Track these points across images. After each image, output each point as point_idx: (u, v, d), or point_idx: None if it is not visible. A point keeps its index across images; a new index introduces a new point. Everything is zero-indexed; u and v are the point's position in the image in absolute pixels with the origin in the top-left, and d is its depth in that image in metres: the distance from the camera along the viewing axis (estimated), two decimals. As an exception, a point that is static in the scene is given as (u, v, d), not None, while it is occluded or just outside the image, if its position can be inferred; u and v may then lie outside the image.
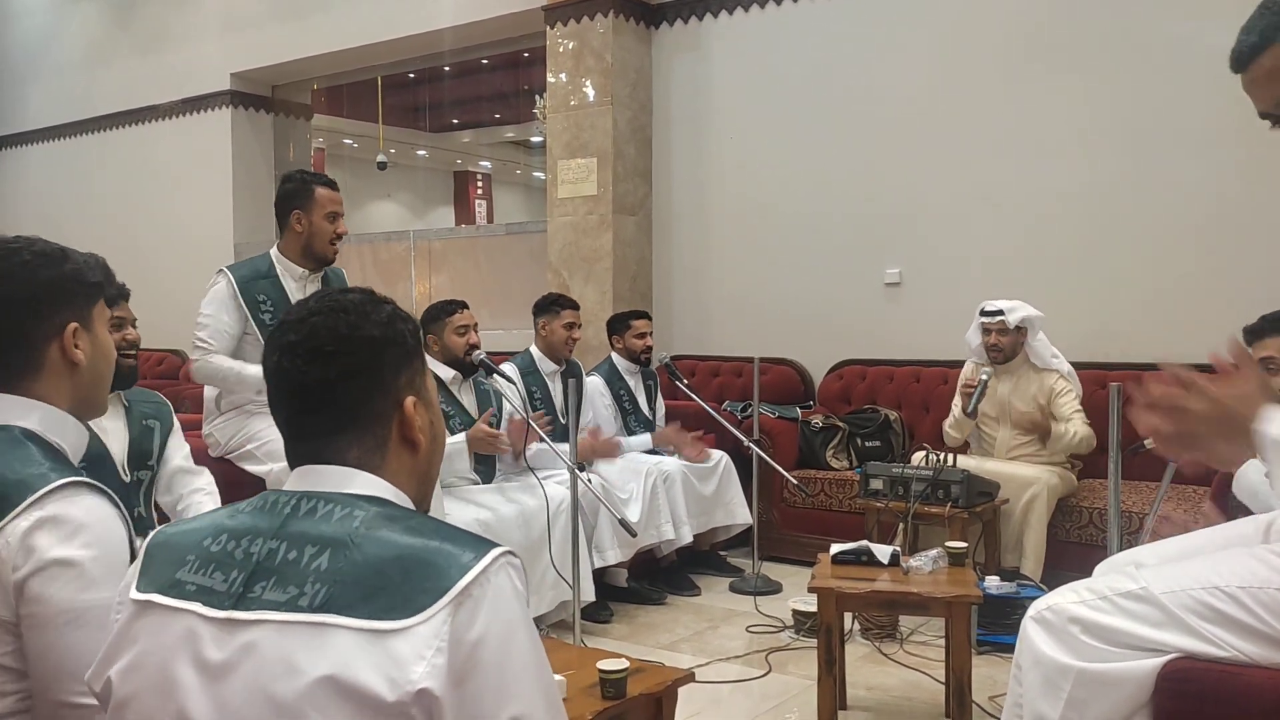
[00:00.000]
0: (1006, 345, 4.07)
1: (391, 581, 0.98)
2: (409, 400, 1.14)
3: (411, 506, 1.13)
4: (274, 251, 3.41)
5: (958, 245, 5.02)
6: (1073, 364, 4.19)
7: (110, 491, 1.35)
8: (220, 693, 0.99)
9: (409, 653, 0.95)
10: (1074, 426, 3.98)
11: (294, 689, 0.96)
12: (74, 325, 1.42)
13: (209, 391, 3.49)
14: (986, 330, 4.11)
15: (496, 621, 0.99)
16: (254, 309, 3.31)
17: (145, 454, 2.62)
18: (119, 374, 2.60)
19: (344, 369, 1.10)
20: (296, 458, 1.13)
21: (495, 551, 1.02)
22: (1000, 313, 4.07)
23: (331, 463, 1.10)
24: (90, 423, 2.31)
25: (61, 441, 1.39)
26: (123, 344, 2.56)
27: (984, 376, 4.03)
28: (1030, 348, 4.11)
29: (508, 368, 4.01)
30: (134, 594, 1.08)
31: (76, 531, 1.28)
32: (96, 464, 2.38)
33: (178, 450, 2.75)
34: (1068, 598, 1.63)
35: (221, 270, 3.41)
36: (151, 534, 1.13)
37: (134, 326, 2.69)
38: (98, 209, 8.24)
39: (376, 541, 1.02)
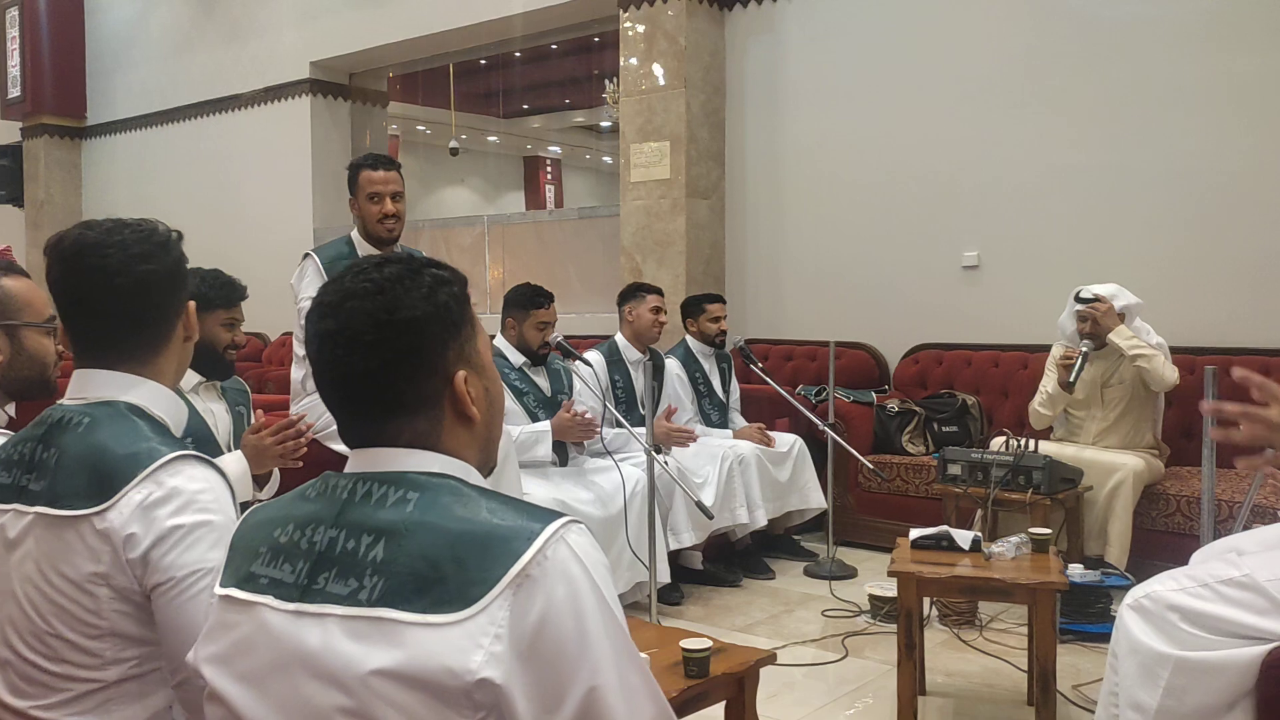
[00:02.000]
0: (1103, 333, 3.93)
1: (446, 572, 0.97)
2: (459, 376, 1.08)
3: (473, 475, 1.10)
4: (353, 233, 3.50)
5: (1038, 227, 4.91)
6: (1160, 349, 4.07)
7: (215, 462, 1.40)
8: (294, 685, 1.00)
9: (467, 643, 0.94)
10: (1152, 348, 3.86)
11: (359, 681, 0.96)
12: (192, 302, 1.49)
13: (295, 372, 3.58)
14: (1083, 318, 3.98)
15: (559, 597, 0.96)
16: None
17: (239, 437, 2.71)
18: (221, 366, 2.71)
19: (386, 357, 1.05)
20: (351, 440, 1.10)
21: (553, 525, 0.99)
22: (1099, 299, 3.94)
23: (386, 445, 1.08)
24: (199, 407, 2.39)
25: (164, 415, 1.44)
26: (231, 343, 2.68)
27: (1084, 348, 3.90)
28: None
29: (591, 355, 4.04)
30: (218, 588, 1.09)
31: (191, 500, 1.33)
32: (204, 447, 2.47)
33: None
34: (1166, 585, 1.59)
35: (307, 254, 3.51)
36: (239, 521, 1.15)
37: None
38: (184, 196, 8.47)
39: (429, 527, 1.00)
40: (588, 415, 3.65)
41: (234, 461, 2.40)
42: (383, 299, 1.05)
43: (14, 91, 9.51)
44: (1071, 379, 3.87)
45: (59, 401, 1.44)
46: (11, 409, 1.82)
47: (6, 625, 1.35)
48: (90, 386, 1.42)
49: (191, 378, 2.64)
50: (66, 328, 1.45)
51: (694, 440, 4.03)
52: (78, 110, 9.54)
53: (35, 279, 1.84)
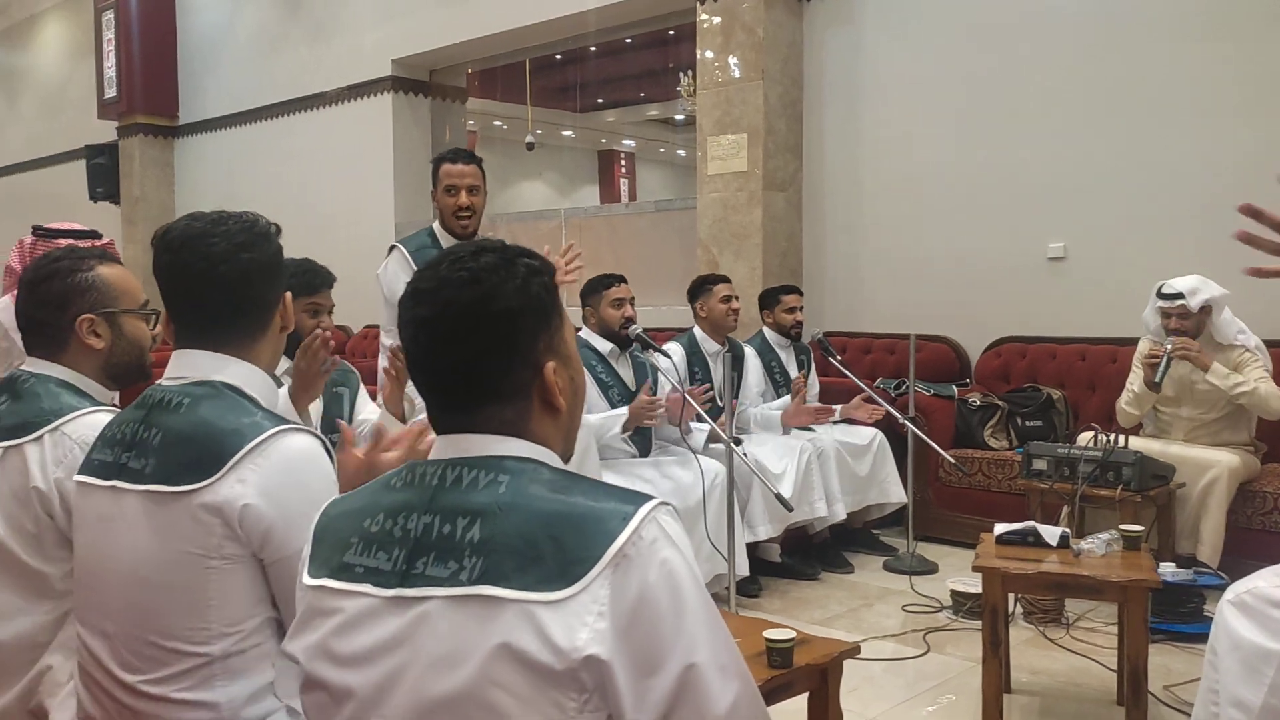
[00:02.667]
0: (1189, 328, 3.80)
1: (544, 551, 0.99)
2: (549, 366, 1.10)
3: (558, 462, 1.12)
4: (435, 225, 3.55)
5: (1127, 217, 4.78)
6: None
7: (317, 433, 1.45)
8: (394, 668, 1.01)
9: (572, 621, 0.96)
10: (1251, 377, 3.74)
11: (469, 662, 0.97)
12: (289, 294, 1.54)
13: (382, 362, 3.66)
14: (1166, 314, 3.85)
15: (655, 576, 0.98)
16: None
17: (334, 419, 2.78)
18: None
19: (480, 347, 1.07)
20: (441, 426, 1.12)
21: (647, 506, 1.01)
22: (1180, 296, 3.80)
23: (475, 431, 1.09)
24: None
25: (258, 395, 1.49)
26: (316, 329, 2.75)
27: (1168, 347, 3.79)
28: (1214, 326, 3.86)
29: (671, 347, 4.06)
30: (306, 579, 1.10)
31: (298, 474, 1.38)
32: None
33: (365, 405, 2.92)
34: (1269, 581, 1.55)
35: (394, 245, 3.57)
36: (319, 513, 1.16)
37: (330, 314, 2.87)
38: (271, 193, 8.69)
39: (523, 507, 1.02)
40: (661, 401, 3.66)
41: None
42: (479, 289, 1.06)
43: (110, 92, 9.87)
44: (1157, 379, 3.76)
45: (158, 382, 1.50)
46: (115, 397, 1.89)
47: (112, 601, 1.41)
48: (188, 367, 1.47)
49: (281, 363, 2.72)
50: (170, 313, 1.50)
51: (832, 415, 4.10)
52: (170, 110, 9.85)
53: (130, 272, 1.93)
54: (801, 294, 4.71)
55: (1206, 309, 3.83)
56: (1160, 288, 3.89)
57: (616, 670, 0.96)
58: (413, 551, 1.04)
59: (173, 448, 1.39)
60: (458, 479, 1.06)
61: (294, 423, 1.43)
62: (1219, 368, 3.75)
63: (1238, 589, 1.60)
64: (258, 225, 1.51)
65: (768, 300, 4.65)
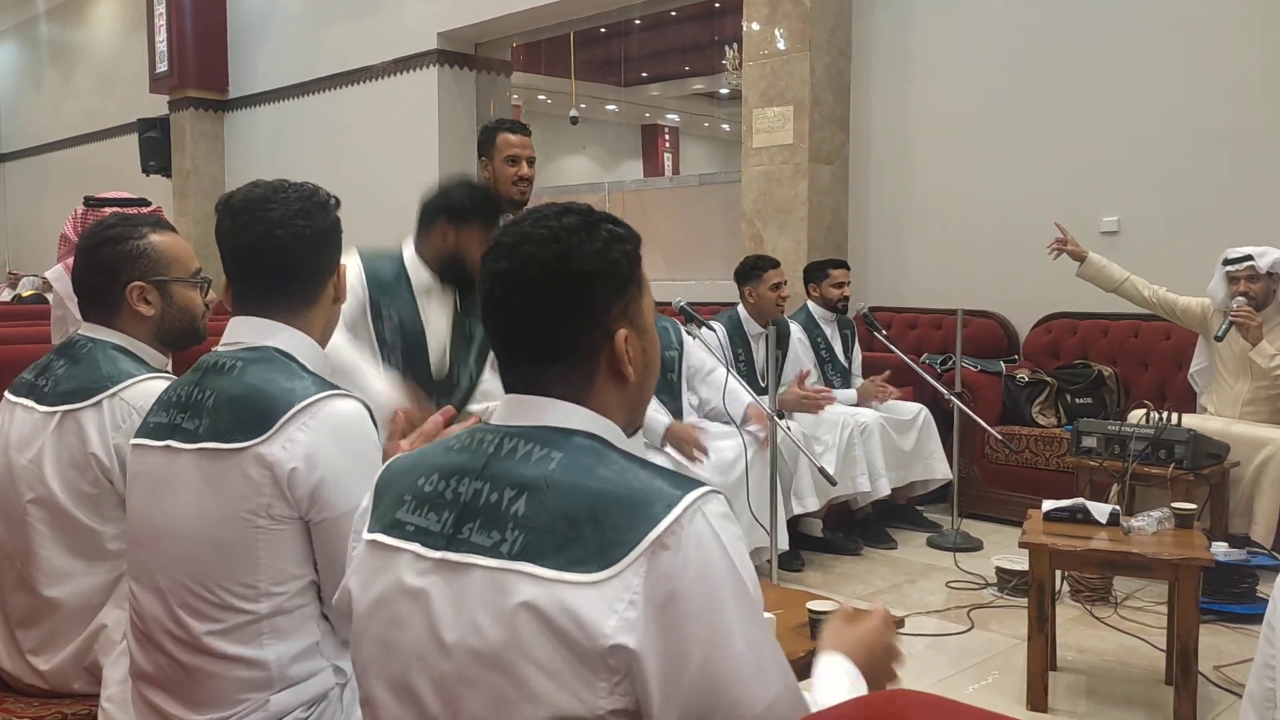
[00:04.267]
0: (1258, 293, 3.73)
1: (584, 531, 0.98)
2: (620, 333, 1.09)
3: (618, 436, 1.11)
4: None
5: (1183, 190, 4.66)
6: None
7: (363, 398, 1.47)
8: (437, 629, 1.02)
9: (601, 605, 0.95)
10: None
11: (500, 630, 0.98)
12: (343, 263, 1.56)
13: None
14: (1233, 279, 3.78)
15: (692, 569, 0.96)
16: None
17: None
18: (466, 284, 2.67)
19: (552, 305, 1.07)
20: (508, 384, 1.13)
21: (693, 494, 0.99)
22: (1249, 257, 3.74)
23: (538, 393, 1.09)
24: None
25: (308, 362, 1.51)
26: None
27: (1233, 306, 3.74)
28: None
29: (716, 326, 4.04)
30: (365, 534, 1.12)
31: (344, 436, 1.40)
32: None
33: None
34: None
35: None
36: (380, 470, 1.18)
37: None
38: (319, 166, 8.75)
39: (570, 486, 1.01)
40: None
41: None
42: (558, 247, 1.07)
43: (162, 67, 10.00)
44: (1219, 334, 3.76)
45: (214, 348, 1.53)
46: (169, 363, 1.93)
47: (165, 557, 1.44)
48: (243, 333, 1.50)
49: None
50: (229, 278, 1.53)
51: (831, 402, 3.98)
52: (220, 84, 9.96)
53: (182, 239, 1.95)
54: (849, 268, 4.66)
55: (1275, 275, 3.74)
56: (1226, 254, 3.83)
57: (646, 661, 0.95)
58: (460, 516, 1.04)
59: (225, 408, 1.42)
60: (513, 449, 1.06)
61: (342, 388, 1.45)
62: (1265, 346, 3.67)
63: (1296, 565, 1.56)
64: (317, 195, 1.53)
65: (814, 274, 4.61)
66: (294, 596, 1.42)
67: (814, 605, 1.99)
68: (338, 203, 1.57)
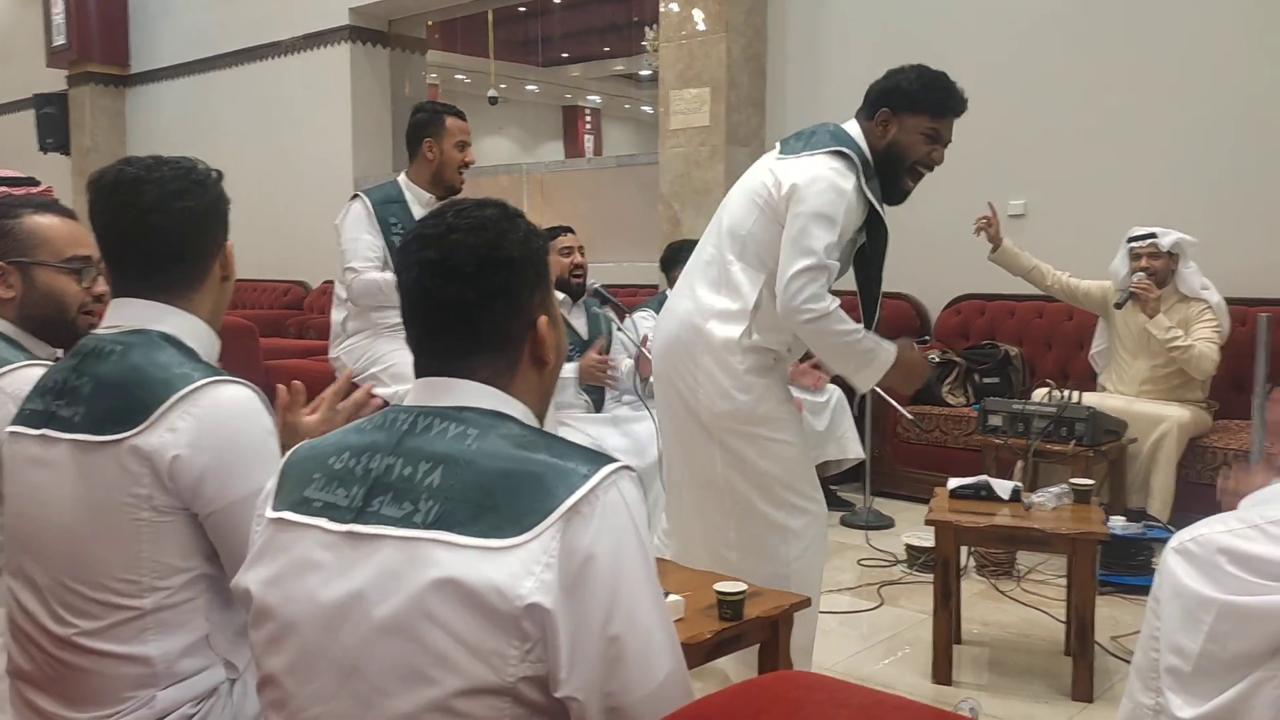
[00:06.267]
0: (1159, 269, 3.88)
1: (501, 500, 1.00)
2: (542, 320, 1.14)
3: (532, 421, 1.13)
4: (402, 178, 3.51)
5: (1088, 176, 4.79)
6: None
7: (251, 384, 1.42)
8: (342, 602, 1.02)
9: (518, 569, 0.97)
10: (1195, 334, 3.80)
11: (409, 598, 0.98)
12: (230, 243, 1.50)
13: (336, 314, 3.61)
14: (1136, 255, 3.92)
15: (606, 538, 0.99)
16: (386, 231, 3.42)
17: None
18: None
19: (483, 291, 1.09)
20: (425, 370, 1.14)
21: (609, 467, 1.02)
22: (1153, 235, 3.89)
23: (461, 377, 1.11)
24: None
25: (196, 346, 1.45)
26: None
27: (1134, 279, 3.88)
28: (1180, 275, 3.92)
29: (643, 313, 4.01)
30: (269, 512, 1.12)
31: (230, 423, 1.35)
32: None
33: None
34: (1214, 528, 1.56)
35: (356, 195, 3.53)
36: (289, 453, 1.17)
37: None
38: (227, 144, 8.52)
39: (488, 459, 1.03)
40: (613, 361, 3.65)
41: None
42: (486, 235, 1.10)
43: (59, 40, 9.58)
44: (1119, 301, 3.93)
45: (93, 331, 1.47)
46: (60, 353, 1.83)
47: (43, 552, 1.38)
48: (124, 316, 1.44)
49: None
50: (105, 261, 1.47)
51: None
52: (121, 59, 9.59)
53: (81, 223, 1.85)
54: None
55: (1175, 255, 3.88)
56: (1131, 232, 3.97)
57: (559, 622, 0.97)
58: (371, 490, 1.05)
59: (102, 395, 1.36)
60: (428, 427, 1.08)
61: (227, 374, 1.39)
62: (1162, 319, 3.81)
63: (1182, 536, 1.61)
64: (194, 172, 1.45)
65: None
66: (179, 590, 1.37)
67: (721, 587, 2.00)
68: (219, 176, 1.49)
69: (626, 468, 1.04)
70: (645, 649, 1.01)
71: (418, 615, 0.98)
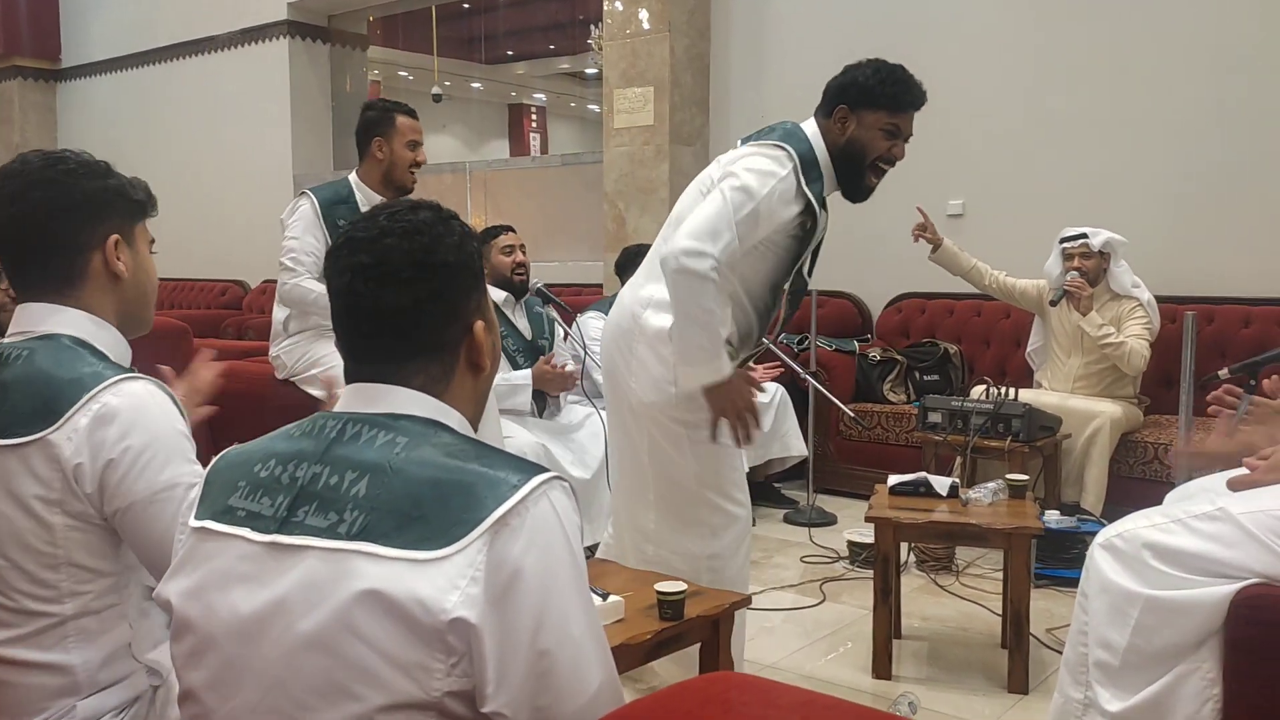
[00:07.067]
0: (1091, 269, 3.95)
1: (428, 510, 0.97)
2: (479, 325, 1.12)
3: (465, 428, 1.11)
4: (353, 177, 3.44)
5: (1025, 176, 4.88)
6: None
7: (161, 382, 1.39)
8: (264, 614, 0.99)
9: (443, 582, 0.94)
10: (1126, 331, 3.90)
11: (332, 611, 0.96)
12: (115, 237, 1.43)
13: (278, 313, 3.54)
14: (1068, 255, 4.00)
15: (535, 551, 0.97)
16: (333, 232, 3.36)
17: None
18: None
19: (419, 296, 1.07)
20: (357, 379, 1.11)
21: (538, 479, 1.00)
22: (1084, 235, 3.97)
23: (395, 383, 1.08)
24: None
25: (104, 349, 1.41)
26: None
27: (1068, 278, 3.94)
28: (1111, 274, 4.00)
29: (591, 314, 3.99)
30: (192, 521, 1.09)
31: (137, 419, 1.31)
32: None
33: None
34: (1139, 523, 1.60)
35: (304, 193, 3.45)
36: (214, 460, 1.14)
37: None
38: (161, 140, 8.34)
39: (415, 468, 1.00)
40: (568, 368, 3.64)
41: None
42: (421, 239, 1.08)
43: (-15, 33, 9.31)
44: (1053, 298, 4.01)
45: (1, 340, 1.43)
46: None
47: None
48: (29, 321, 1.41)
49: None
50: (2, 263, 1.44)
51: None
52: (52, 52, 9.34)
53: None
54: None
55: (1106, 255, 3.97)
56: (1063, 233, 4.05)
57: (485, 637, 0.95)
58: (296, 499, 1.03)
59: (11, 401, 1.32)
60: (356, 434, 1.05)
61: (134, 371, 1.36)
62: (1094, 316, 3.89)
63: (1108, 533, 1.64)
64: (63, 162, 1.41)
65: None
66: (100, 596, 1.33)
67: (662, 586, 2.00)
68: (106, 166, 1.45)
69: (558, 478, 1.03)
70: (576, 662, 0.99)
71: (341, 629, 0.95)
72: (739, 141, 2.49)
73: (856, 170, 2.39)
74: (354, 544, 0.97)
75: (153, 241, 1.55)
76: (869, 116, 2.35)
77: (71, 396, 1.30)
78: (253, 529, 1.03)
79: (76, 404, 1.30)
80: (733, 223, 2.17)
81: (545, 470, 1.02)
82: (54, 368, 1.33)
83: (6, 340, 1.41)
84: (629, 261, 4.22)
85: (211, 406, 1.72)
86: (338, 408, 1.11)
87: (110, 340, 1.43)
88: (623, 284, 4.10)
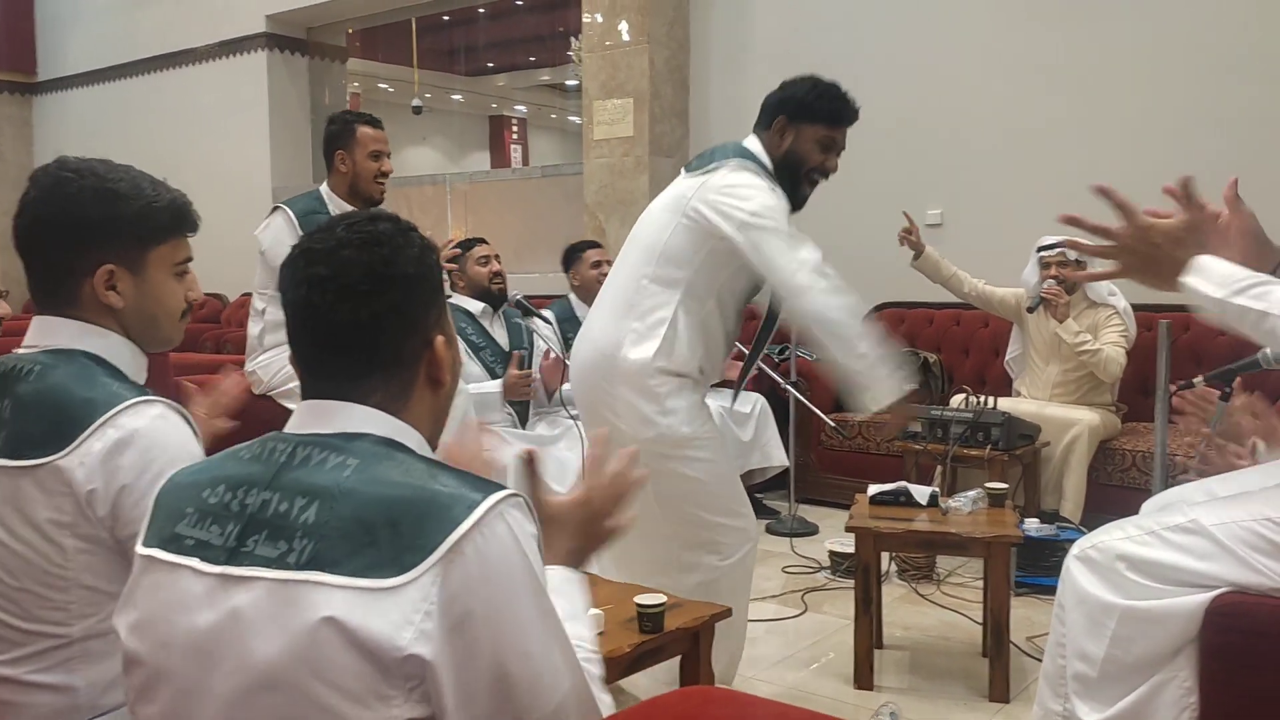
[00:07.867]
0: (1068, 277, 3.98)
1: (378, 535, 0.94)
2: (439, 339, 1.09)
3: (421, 446, 1.08)
4: (324, 189, 3.42)
5: (1003, 186, 4.91)
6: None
7: (178, 405, 1.37)
8: (215, 649, 0.97)
9: (397, 616, 0.92)
10: (1103, 339, 3.92)
11: (285, 644, 0.93)
12: (109, 268, 1.39)
13: (252, 327, 3.52)
14: (1046, 264, 4.03)
15: (492, 577, 0.94)
16: None
17: None
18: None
19: (377, 309, 1.04)
20: (313, 395, 1.07)
21: (493, 498, 0.96)
22: (1061, 244, 4.00)
23: (353, 401, 1.05)
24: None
25: (120, 365, 1.40)
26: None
27: (1045, 286, 3.98)
28: (1088, 283, 4.04)
29: (546, 313, 4.00)
30: (140, 548, 1.06)
31: (153, 446, 1.30)
32: None
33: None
34: (1113, 535, 1.60)
35: (278, 207, 3.42)
36: (163, 482, 1.11)
37: None
38: (139, 153, 8.20)
39: (365, 491, 0.97)
40: (534, 375, 3.65)
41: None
42: (380, 251, 1.05)
43: (-40, 45, 9.24)
44: (1031, 305, 4.06)
45: (14, 350, 1.41)
46: None
47: None
48: (43, 334, 1.39)
49: None
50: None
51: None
52: (28, 65, 9.28)
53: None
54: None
55: (1083, 263, 3.99)
56: (1041, 242, 4.08)
57: (440, 672, 0.93)
58: (245, 528, 0.99)
59: (24, 419, 1.31)
60: (306, 458, 1.01)
61: (150, 392, 1.34)
62: (1071, 324, 3.92)
63: (1083, 544, 1.65)
64: (70, 184, 1.38)
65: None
66: (109, 619, 1.30)
67: (642, 599, 1.99)
68: (124, 191, 1.41)
69: (515, 495, 0.99)
70: (539, 675, 0.98)
71: (294, 662, 0.93)
72: (683, 170, 2.50)
73: (794, 180, 2.46)
74: (303, 574, 0.94)
75: (188, 260, 1.49)
76: (807, 130, 2.43)
77: (84, 419, 1.28)
78: (201, 559, 0.99)
79: (90, 427, 1.28)
80: (787, 231, 2.31)
81: (500, 487, 0.98)
82: (67, 386, 1.31)
83: (21, 352, 1.39)
84: (572, 256, 4.32)
85: (234, 421, 1.72)
86: (290, 427, 1.07)
87: (125, 356, 1.41)
88: (568, 280, 4.17)
